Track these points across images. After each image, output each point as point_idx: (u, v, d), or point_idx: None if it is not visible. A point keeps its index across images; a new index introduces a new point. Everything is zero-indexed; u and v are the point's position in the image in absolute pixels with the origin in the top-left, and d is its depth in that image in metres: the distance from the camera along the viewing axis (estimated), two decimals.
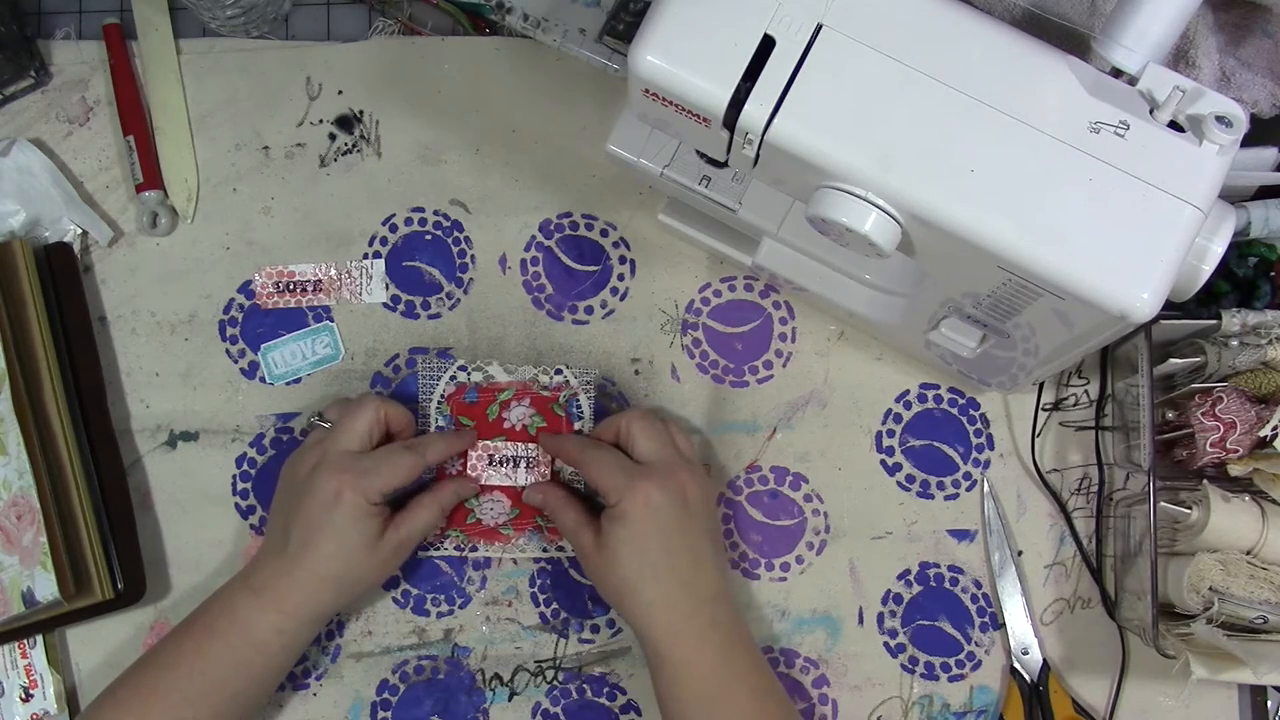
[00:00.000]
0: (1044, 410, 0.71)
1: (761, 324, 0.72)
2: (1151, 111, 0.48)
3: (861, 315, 0.67)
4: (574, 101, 0.75)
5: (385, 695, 0.68)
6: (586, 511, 0.64)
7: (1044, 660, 0.67)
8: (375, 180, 0.74)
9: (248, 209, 0.74)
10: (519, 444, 0.67)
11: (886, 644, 0.68)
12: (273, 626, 0.60)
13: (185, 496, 0.70)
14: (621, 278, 0.73)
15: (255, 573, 0.61)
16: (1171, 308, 0.61)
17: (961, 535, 0.70)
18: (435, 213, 0.74)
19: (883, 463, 0.71)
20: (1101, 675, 0.68)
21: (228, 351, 0.72)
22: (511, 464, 0.67)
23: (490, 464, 0.67)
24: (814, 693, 0.68)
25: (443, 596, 0.69)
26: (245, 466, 0.71)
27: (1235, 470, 0.63)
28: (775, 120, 0.48)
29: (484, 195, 0.74)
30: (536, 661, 0.68)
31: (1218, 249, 0.50)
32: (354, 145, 0.75)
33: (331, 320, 0.73)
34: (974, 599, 0.69)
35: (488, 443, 0.67)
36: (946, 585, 0.69)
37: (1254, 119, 0.62)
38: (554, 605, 0.69)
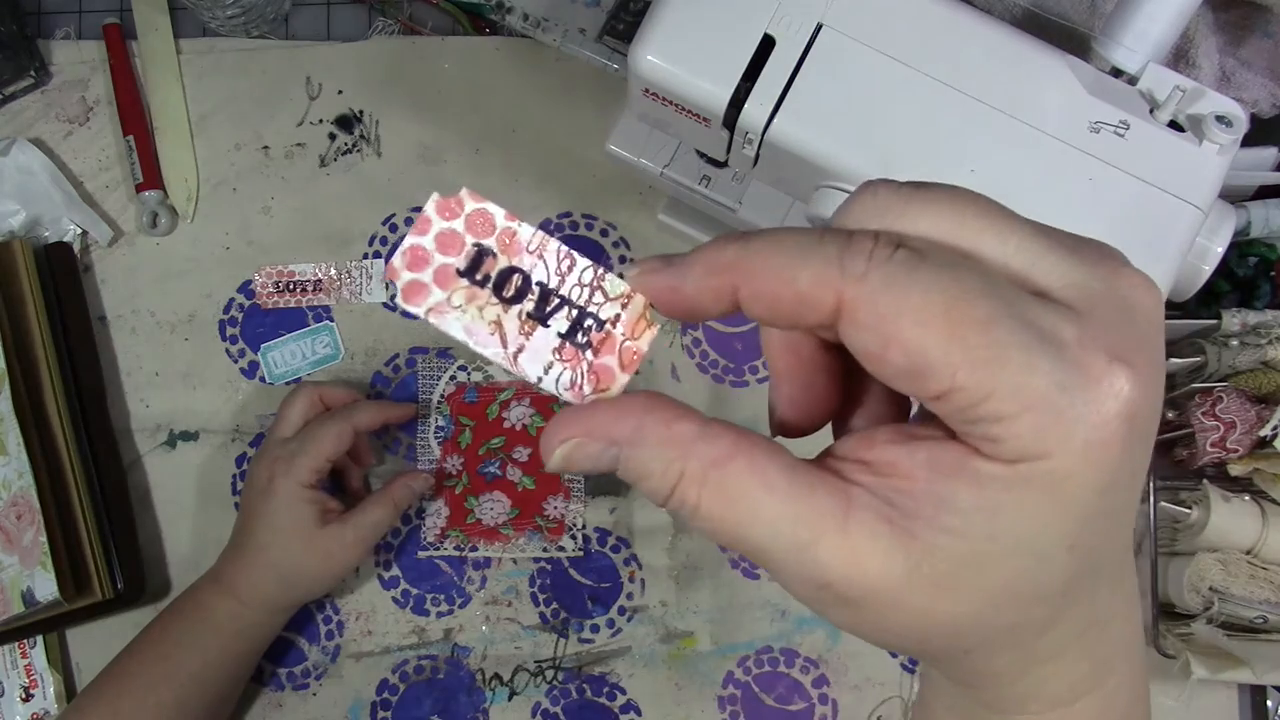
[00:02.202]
0: None
1: None
2: (1151, 111, 0.48)
3: None
4: (574, 101, 0.75)
5: (385, 695, 0.68)
6: (788, 458, 0.23)
7: None
8: (375, 180, 0.74)
9: (248, 209, 0.74)
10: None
11: None
12: (228, 612, 0.63)
13: (185, 496, 0.71)
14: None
15: (218, 563, 0.65)
16: (1171, 307, 0.61)
17: None
18: None
19: None
20: None
21: (228, 351, 0.72)
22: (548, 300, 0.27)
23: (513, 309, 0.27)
24: (814, 693, 0.68)
25: (442, 596, 0.69)
26: (245, 466, 0.71)
27: (1235, 470, 0.63)
28: (775, 120, 0.48)
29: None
30: (536, 661, 0.68)
31: (1218, 249, 0.50)
32: (354, 145, 0.75)
33: (331, 320, 0.73)
34: None
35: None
36: None
37: (1254, 119, 0.62)
38: (554, 605, 0.69)
